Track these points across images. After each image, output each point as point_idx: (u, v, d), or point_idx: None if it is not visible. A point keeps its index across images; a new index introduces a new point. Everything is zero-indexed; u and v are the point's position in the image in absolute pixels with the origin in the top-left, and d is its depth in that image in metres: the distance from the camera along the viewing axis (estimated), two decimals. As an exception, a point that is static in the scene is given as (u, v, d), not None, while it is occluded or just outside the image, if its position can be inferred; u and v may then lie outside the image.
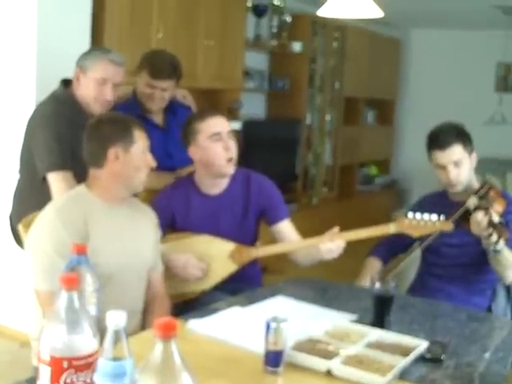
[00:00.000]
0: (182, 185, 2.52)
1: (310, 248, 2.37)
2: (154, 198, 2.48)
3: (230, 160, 2.41)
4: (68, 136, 2.40)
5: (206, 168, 2.42)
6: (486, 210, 2.27)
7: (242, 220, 2.49)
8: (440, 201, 2.54)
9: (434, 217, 2.24)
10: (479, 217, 2.25)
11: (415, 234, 2.29)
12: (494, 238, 2.23)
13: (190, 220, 2.46)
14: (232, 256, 2.39)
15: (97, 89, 2.48)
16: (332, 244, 2.27)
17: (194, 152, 2.42)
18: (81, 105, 2.52)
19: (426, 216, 2.25)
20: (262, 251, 2.44)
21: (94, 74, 2.47)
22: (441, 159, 2.44)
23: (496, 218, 2.26)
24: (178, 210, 2.47)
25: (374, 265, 2.65)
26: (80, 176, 2.20)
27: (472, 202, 2.36)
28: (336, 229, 2.30)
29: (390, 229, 2.29)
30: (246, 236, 2.49)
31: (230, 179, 2.48)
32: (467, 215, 2.35)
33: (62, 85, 2.59)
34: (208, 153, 2.38)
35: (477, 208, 2.32)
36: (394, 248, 2.65)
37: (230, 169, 2.42)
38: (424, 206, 2.56)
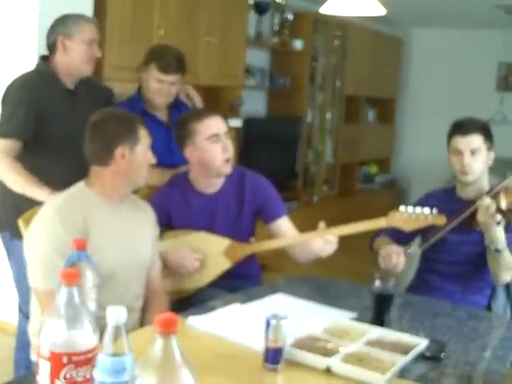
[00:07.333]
0: (177, 183, 2.52)
1: (304, 245, 2.34)
2: (151, 196, 2.48)
3: (227, 160, 2.41)
4: (39, 105, 2.47)
5: (204, 169, 2.42)
6: (494, 196, 2.27)
7: (237, 218, 2.48)
8: (447, 197, 2.54)
9: (427, 210, 2.19)
10: (487, 202, 2.26)
11: (406, 227, 2.23)
12: (503, 223, 2.26)
13: (186, 218, 2.46)
14: (226, 253, 2.39)
15: (87, 50, 2.58)
16: (323, 241, 2.23)
17: (190, 153, 2.42)
18: (58, 76, 2.58)
19: (418, 209, 2.19)
20: (256, 247, 2.43)
21: (81, 36, 2.56)
22: (460, 144, 2.46)
23: (504, 205, 2.26)
24: (174, 208, 2.46)
25: (386, 240, 2.56)
26: (49, 147, 2.44)
27: (484, 201, 2.35)
28: (322, 224, 2.26)
29: (381, 223, 2.25)
30: (242, 235, 2.47)
31: (226, 178, 2.48)
32: (474, 214, 2.34)
33: (40, 59, 2.66)
34: (206, 154, 2.38)
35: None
36: (394, 237, 2.61)
37: (228, 169, 2.42)
38: (430, 201, 2.52)
